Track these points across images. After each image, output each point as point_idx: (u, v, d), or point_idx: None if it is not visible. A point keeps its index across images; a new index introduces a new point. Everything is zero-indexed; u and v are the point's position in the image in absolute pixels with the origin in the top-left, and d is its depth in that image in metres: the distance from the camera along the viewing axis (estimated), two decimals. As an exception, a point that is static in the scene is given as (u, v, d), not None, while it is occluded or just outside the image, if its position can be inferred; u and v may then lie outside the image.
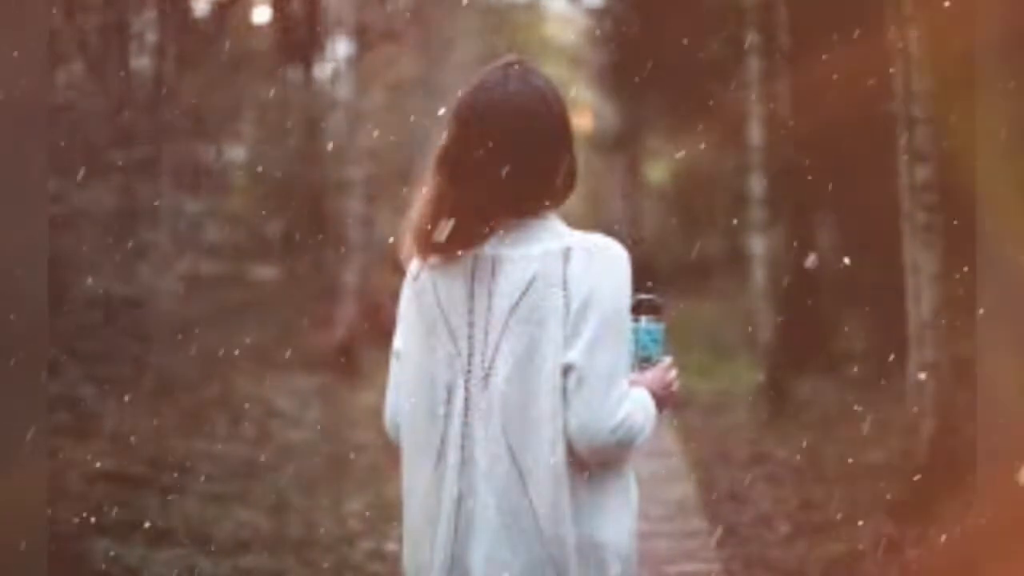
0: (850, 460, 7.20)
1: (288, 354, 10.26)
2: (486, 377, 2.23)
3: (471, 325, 2.25)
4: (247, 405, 8.95)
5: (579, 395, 2.17)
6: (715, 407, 10.14)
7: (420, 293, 2.31)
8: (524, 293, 2.21)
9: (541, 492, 2.19)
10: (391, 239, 2.39)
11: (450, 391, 2.26)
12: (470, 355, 2.25)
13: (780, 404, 9.54)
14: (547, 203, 2.28)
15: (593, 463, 2.21)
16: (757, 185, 10.54)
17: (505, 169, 2.23)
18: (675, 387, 2.36)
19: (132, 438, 6.94)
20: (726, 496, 7.00)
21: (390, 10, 13.51)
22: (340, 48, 14.17)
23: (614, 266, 2.22)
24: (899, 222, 6.32)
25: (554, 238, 2.24)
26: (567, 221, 2.30)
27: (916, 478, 6.05)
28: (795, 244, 10.76)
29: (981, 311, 3.56)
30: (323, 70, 14.83)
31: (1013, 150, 3.67)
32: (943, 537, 5.27)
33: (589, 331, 2.17)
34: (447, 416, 2.26)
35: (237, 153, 12.97)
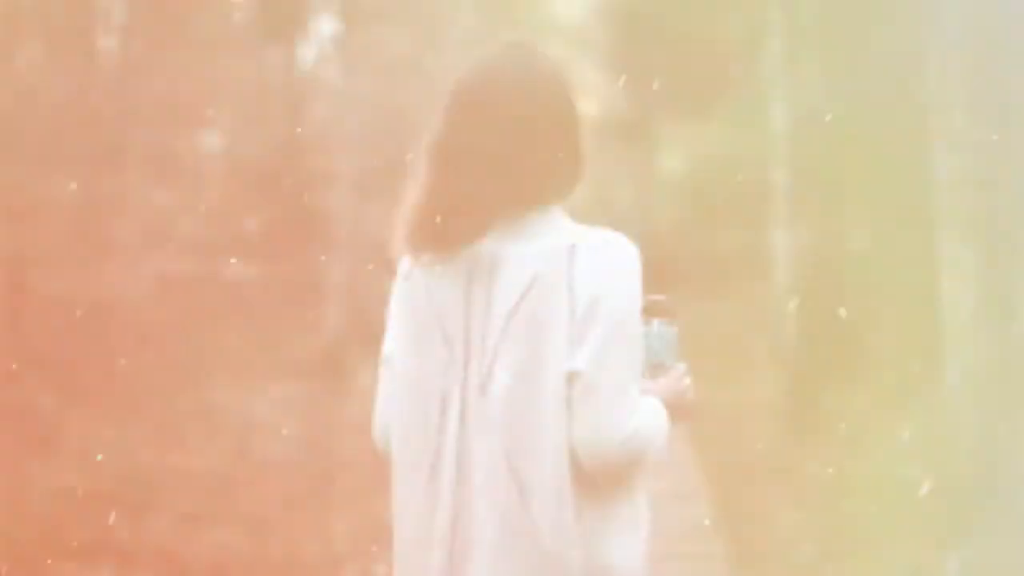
0: (882, 476, 7.21)
1: (268, 360, 10.26)
2: (484, 385, 2.23)
3: (467, 329, 2.25)
4: (224, 416, 8.95)
5: (585, 405, 2.17)
6: (734, 418, 10.14)
7: (412, 294, 2.31)
8: (525, 294, 2.21)
9: (544, 510, 2.19)
10: (381, 235, 2.39)
11: (445, 401, 2.26)
12: (466, 361, 2.25)
13: (805, 414, 9.54)
14: (551, 195, 2.28)
15: (600, 479, 2.21)
16: (780, 176, 10.54)
17: (505, 158, 2.23)
18: (690, 396, 2.36)
19: (98, 452, 6.94)
20: (746, 515, 7.00)
21: (380, -16, 13.52)
22: (325, 26, 14.19)
23: (624, 264, 2.22)
24: (934, 216, 6.33)
25: (558, 234, 2.24)
26: (573, 215, 2.30)
27: (954, 495, 6.05)
28: (820, 240, 10.76)
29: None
30: (307, 50, 14.83)
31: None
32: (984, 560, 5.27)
33: (596, 335, 2.17)
34: (441, 428, 2.26)
35: (212, 141, 12.97)
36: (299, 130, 13.05)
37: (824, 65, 10.23)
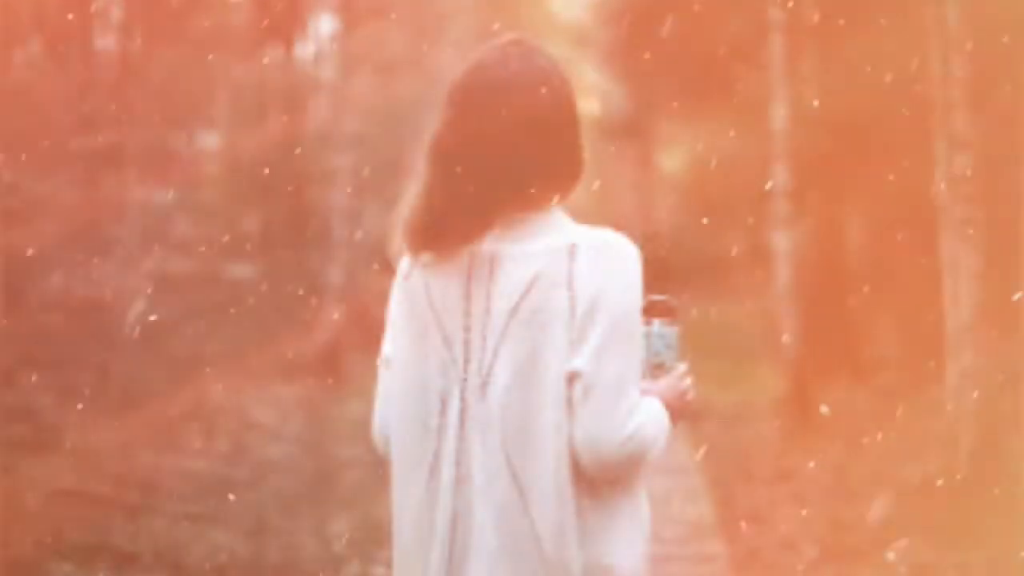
0: (883, 476, 7.20)
1: (267, 361, 10.26)
2: (484, 386, 2.23)
3: (467, 329, 2.25)
4: (223, 416, 8.95)
5: (586, 405, 2.16)
6: (735, 418, 10.14)
7: (411, 294, 2.30)
8: (525, 294, 2.21)
9: (544, 512, 2.19)
10: (380, 235, 2.39)
11: (444, 401, 2.26)
12: (466, 361, 2.25)
13: (806, 415, 9.54)
14: (551, 195, 2.28)
15: (601, 480, 2.20)
16: (781, 175, 10.54)
17: (504, 157, 2.23)
18: (691, 396, 2.35)
19: (95, 453, 6.94)
20: (747, 516, 7.00)
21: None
22: (324, 25, 14.19)
23: (624, 264, 2.21)
24: (936, 216, 6.33)
25: (558, 233, 2.24)
26: (573, 215, 2.29)
27: (956, 496, 6.05)
28: (820, 240, 10.76)
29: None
30: (305, 49, 14.83)
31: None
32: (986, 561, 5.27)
33: (596, 335, 2.17)
34: (441, 428, 2.25)
35: (211, 140, 12.97)
36: (298, 130, 13.05)
37: (824, 65, 10.23)
